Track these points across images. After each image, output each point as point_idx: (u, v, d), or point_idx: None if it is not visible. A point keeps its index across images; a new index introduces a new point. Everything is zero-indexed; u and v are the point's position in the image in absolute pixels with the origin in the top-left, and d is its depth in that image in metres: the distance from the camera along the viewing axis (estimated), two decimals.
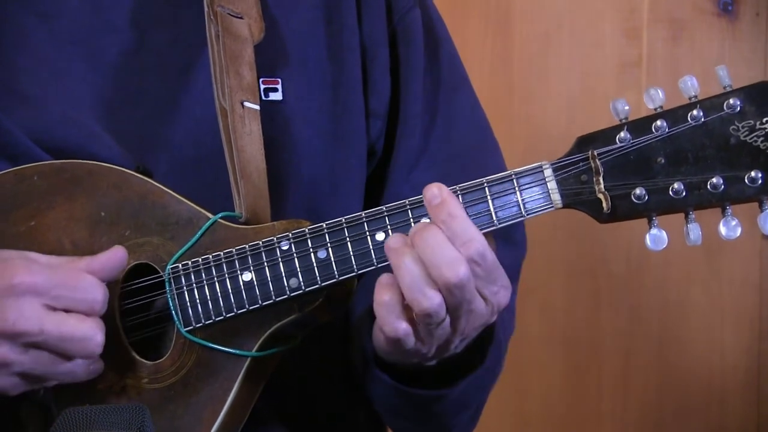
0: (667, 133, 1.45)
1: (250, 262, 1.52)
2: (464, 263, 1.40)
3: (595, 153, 1.46)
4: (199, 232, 1.54)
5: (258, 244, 1.52)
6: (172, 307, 1.53)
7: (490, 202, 1.48)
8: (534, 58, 2.57)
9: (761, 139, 1.43)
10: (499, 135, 1.78)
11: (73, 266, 1.48)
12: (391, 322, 1.42)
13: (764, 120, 1.43)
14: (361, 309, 1.61)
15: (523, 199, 1.48)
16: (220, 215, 1.55)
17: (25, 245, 1.54)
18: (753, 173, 1.43)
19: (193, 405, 1.52)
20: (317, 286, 1.50)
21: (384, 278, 1.44)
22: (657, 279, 2.56)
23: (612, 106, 1.47)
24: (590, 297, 2.59)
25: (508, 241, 1.69)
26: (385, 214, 1.49)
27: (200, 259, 1.53)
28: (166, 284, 1.53)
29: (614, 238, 2.55)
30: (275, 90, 1.66)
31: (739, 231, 1.45)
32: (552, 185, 1.47)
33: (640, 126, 1.46)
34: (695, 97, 1.45)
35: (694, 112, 1.44)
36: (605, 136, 1.47)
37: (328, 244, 1.50)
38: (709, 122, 1.44)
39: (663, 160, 1.45)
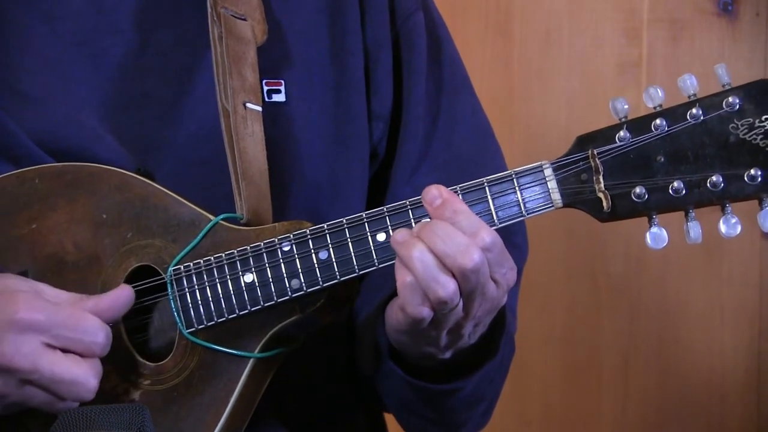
0: (667, 131, 1.45)
1: (252, 263, 1.52)
2: (477, 248, 1.41)
3: (595, 152, 1.46)
4: (201, 234, 1.54)
5: (259, 245, 1.52)
6: (174, 309, 1.53)
7: (490, 201, 1.48)
8: (534, 58, 2.57)
9: (760, 136, 1.43)
10: (499, 135, 1.78)
11: (79, 305, 1.48)
12: (416, 304, 1.42)
13: (763, 118, 1.43)
14: (369, 308, 1.61)
15: (523, 199, 1.48)
16: (221, 217, 1.55)
17: (27, 247, 1.54)
18: (752, 171, 1.43)
19: (196, 406, 1.53)
20: (319, 286, 1.50)
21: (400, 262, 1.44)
22: (657, 279, 2.56)
23: (611, 106, 1.47)
24: (590, 297, 2.59)
25: (510, 245, 1.69)
26: (386, 214, 1.49)
27: (202, 261, 1.53)
28: (168, 286, 1.53)
29: (614, 238, 2.55)
30: (278, 92, 1.66)
31: (739, 229, 1.45)
32: (552, 185, 1.48)
33: (639, 125, 1.46)
34: (694, 95, 1.45)
35: (694, 110, 1.44)
36: (605, 135, 1.47)
37: (330, 245, 1.50)
38: (708, 120, 1.44)
39: (663, 159, 1.45)
